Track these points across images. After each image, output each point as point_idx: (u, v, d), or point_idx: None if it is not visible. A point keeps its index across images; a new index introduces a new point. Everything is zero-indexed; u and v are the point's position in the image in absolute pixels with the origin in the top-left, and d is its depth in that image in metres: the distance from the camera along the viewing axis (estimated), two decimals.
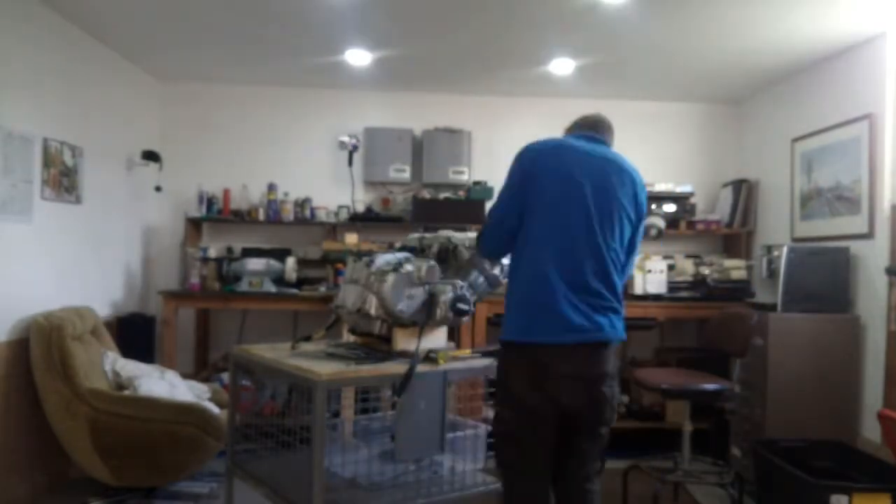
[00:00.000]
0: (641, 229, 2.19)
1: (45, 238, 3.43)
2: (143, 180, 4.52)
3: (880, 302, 3.41)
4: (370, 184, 4.87)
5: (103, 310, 3.94)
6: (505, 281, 2.35)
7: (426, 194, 4.71)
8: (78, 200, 3.73)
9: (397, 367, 1.98)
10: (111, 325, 4.00)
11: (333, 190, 4.82)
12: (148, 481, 3.27)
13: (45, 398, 3.16)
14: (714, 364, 3.81)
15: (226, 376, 4.07)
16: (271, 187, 4.68)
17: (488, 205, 4.75)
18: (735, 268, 4.36)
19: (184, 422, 3.17)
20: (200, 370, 4.59)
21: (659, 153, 5.00)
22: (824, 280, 3.56)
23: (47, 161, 3.41)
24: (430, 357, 2.06)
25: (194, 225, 4.70)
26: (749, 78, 4.38)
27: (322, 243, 4.69)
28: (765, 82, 4.47)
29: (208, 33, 3.81)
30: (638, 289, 4.34)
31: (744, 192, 4.72)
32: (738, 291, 4.28)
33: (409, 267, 2.09)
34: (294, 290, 4.31)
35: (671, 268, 4.46)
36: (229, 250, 4.72)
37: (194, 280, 4.36)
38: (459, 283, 2.16)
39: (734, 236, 4.80)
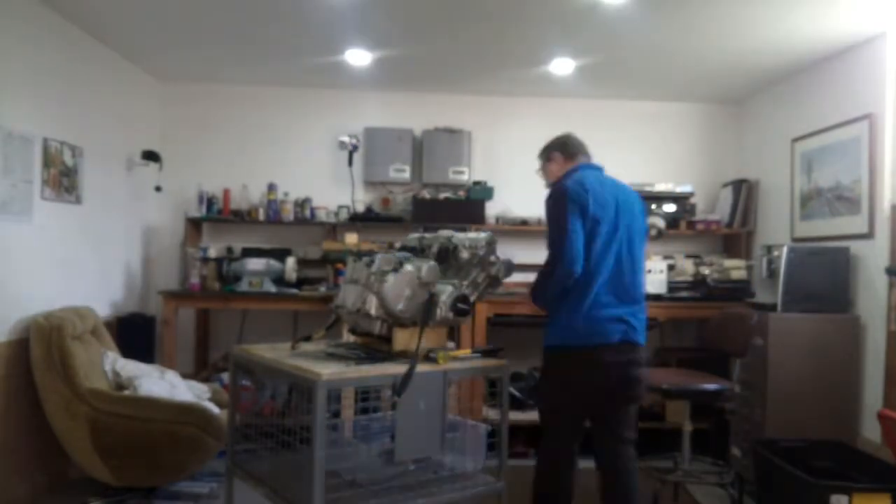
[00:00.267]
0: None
1: (45, 238, 3.43)
2: (143, 180, 4.52)
3: (880, 302, 3.41)
4: (370, 184, 4.87)
5: (103, 310, 3.94)
6: (505, 281, 2.36)
7: (426, 194, 4.71)
8: (78, 200, 3.73)
9: (397, 367, 1.98)
10: (111, 325, 4.00)
11: (333, 190, 4.82)
12: (148, 481, 3.27)
13: (45, 398, 3.16)
14: (714, 364, 3.81)
15: (226, 376, 4.07)
16: (271, 187, 4.68)
17: (488, 205, 4.76)
18: (735, 268, 4.37)
19: (184, 422, 3.17)
20: (200, 370, 4.59)
21: (659, 153, 5.00)
22: (824, 280, 3.56)
23: (47, 161, 3.41)
24: (430, 357, 2.07)
25: (194, 225, 4.70)
26: (749, 78, 4.38)
27: (322, 243, 4.69)
28: (765, 82, 4.47)
29: (208, 33, 3.81)
30: None
31: (744, 192, 4.72)
32: (738, 291, 4.28)
33: (409, 267, 2.09)
34: (294, 290, 4.31)
35: (671, 268, 4.46)
36: (229, 250, 4.72)
37: (194, 280, 4.36)
38: (459, 283, 2.16)
39: (734, 236, 4.80)
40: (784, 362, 3.44)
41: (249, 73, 4.59)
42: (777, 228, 4.39)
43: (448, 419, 2.10)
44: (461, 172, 4.76)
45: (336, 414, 2.52)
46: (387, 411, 2.52)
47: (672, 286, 4.40)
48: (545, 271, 2.44)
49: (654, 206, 4.64)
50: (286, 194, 4.71)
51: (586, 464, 4.28)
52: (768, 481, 3.16)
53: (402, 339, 2.13)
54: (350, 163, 4.61)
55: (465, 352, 2.26)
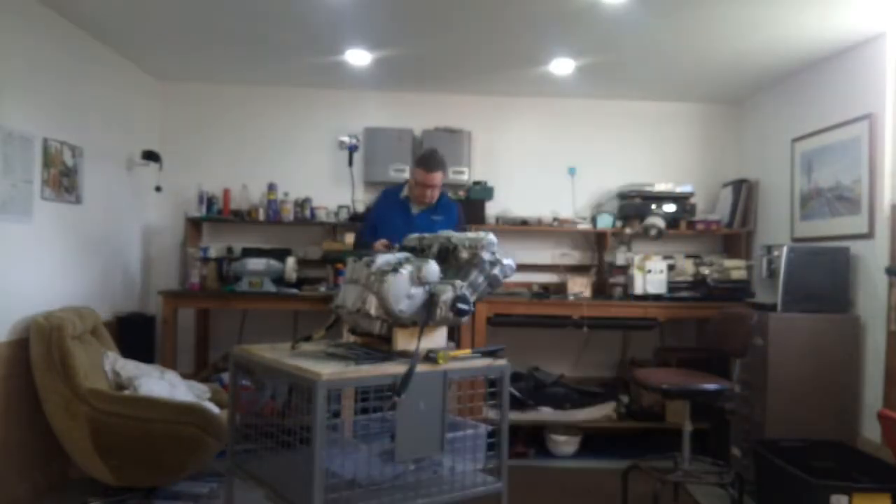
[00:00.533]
0: None
1: (45, 238, 3.43)
2: (143, 180, 4.52)
3: (880, 302, 3.41)
4: (370, 184, 4.87)
5: (103, 310, 3.93)
6: (505, 281, 2.35)
7: None
8: (78, 200, 3.73)
9: (397, 367, 1.98)
10: (111, 325, 4.00)
11: (333, 190, 4.82)
12: (148, 481, 3.27)
13: (45, 398, 3.15)
14: (714, 364, 3.81)
15: (226, 376, 4.06)
16: (271, 187, 4.68)
17: (488, 205, 4.77)
18: (735, 268, 4.37)
19: (184, 422, 3.16)
20: (200, 370, 4.59)
21: (659, 153, 5.00)
22: (824, 280, 3.56)
23: (47, 161, 3.41)
24: (430, 357, 2.06)
25: (194, 225, 4.70)
26: (749, 78, 4.38)
27: (322, 243, 4.70)
28: (765, 82, 4.47)
29: (208, 33, 3.81)
30: (638, 289, 4.35)
31: (744, 192, 4.72)
32: (738, 291, 4.28)
33: (409, 267, 2.09)
34: (294, 290, 4.31)
35: (671, 268, 4.46)
36: (229, 250, 4.72)
37: (194, 280, 4.36)
38: (459, 283, 2.16)
39: (734, 236, 4.79)
40: (784, 362, 3.44)
41: (249, 73, 4.59)
42: (777, 228, 4.39)
43: (448, 419, 2.09)
44: (461, 172, 4.76)
45: (336, 414, 2.52)
46: (387, 411, 2.52)
47: (672, 286, 4.40)
48: None
49: (654, 206, 4.64)
50: (286, 194, 4.71)
51: (586, 464, 4.28)
52: (768, 481, 3.16)
53: (402, 339, 2.13)
54: (350, 163, 4.61)
55: (465, 352, 2.26)
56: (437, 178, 3.34)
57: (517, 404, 4.25)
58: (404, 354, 2.08)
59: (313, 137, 4.88)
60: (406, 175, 4.74)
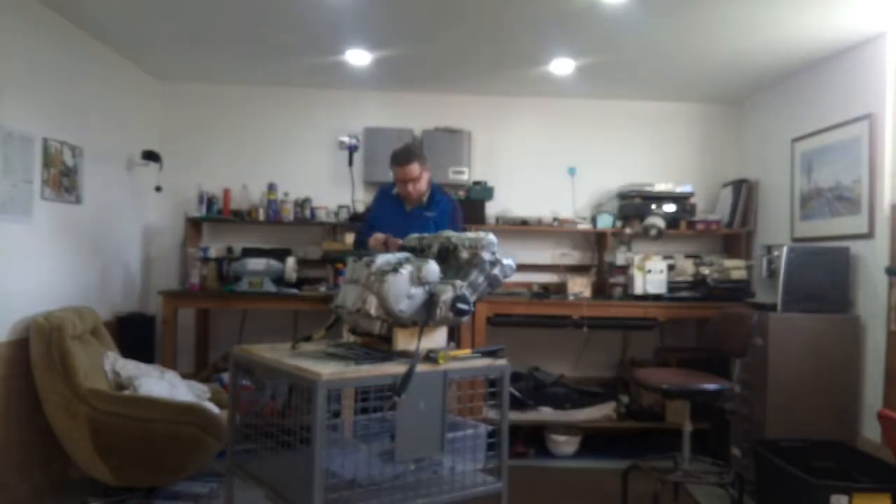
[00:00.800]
0: None
1: (46, 238, 3.43)
2: (143, 180, 4.52)
3: (880, 302, 3.41)
4: (370, 184, 4.87)
5: (103, 310, 3.93)
6: (505, 281, 2.35)
7: None
8: (78, 200, 3.73)
9: (397, 367, 1.98)
10: (111, 325, 4.00)
11: (333, 190, 4.82)
12: (148, 481, 3.27)
13: (45, 398, 3.15)
14: (714, 364, 3.81)
15: (226, 376, 4.06)
16: (271, 187, 4.68)
17: (488, 205, 4.77)
18: (735, 268, 4.37)
19: (184, 422, 3.16)
20: (200, 370, 4.59)
21: (659, 153, 5.00)
22: (824, 280, 3.56)
23: (47, 161, 3.41)
24: (430, 357, 2.06)
25: (194, 225, 4.70)
26: (749, 78, 4.38)
27: (322, 243, 4.70)
28: (765, 82, 4.47)
29: (208, 33, 3.81)
30: (638, 289, 4.35)
31: (744, 192, 4.72)
32: (738, 291, 4.28)
33: (409, 267, 2.09)
34: (294, 290, 4.31)
35: (671, 268, 4.46)
36: (229, 250, 4.72)
37: (194, 280, 4.36)
38: (459, 283, 2.16)
39: (734, 236, 4.79)
40: (784, 362, 3.44)
41: (249, 73, 4.59)
42: (777, 228, 4.39)
43: (448, 419, 2.09)
44: (461, 172, 4.76)
45: (336, 414, 2.52)
46: (387, 411, 2.52)
47: (672, 286, 4.40)
48: None
49: (654, 206, 4.64)
50: (286, 194, 4.71)
51: (586, 464, 4.28)
52: (768, 481, 3.16)
53: (402, 339, 2.13)
54: (350, 163, 4.60)
55: (465, 352, 2.26)
56: (413, 169, 3.24)
57: (517, 404, 4.25)
58: (404, 354, 2.08)
59: (313, 137, 4.88)
60: None
